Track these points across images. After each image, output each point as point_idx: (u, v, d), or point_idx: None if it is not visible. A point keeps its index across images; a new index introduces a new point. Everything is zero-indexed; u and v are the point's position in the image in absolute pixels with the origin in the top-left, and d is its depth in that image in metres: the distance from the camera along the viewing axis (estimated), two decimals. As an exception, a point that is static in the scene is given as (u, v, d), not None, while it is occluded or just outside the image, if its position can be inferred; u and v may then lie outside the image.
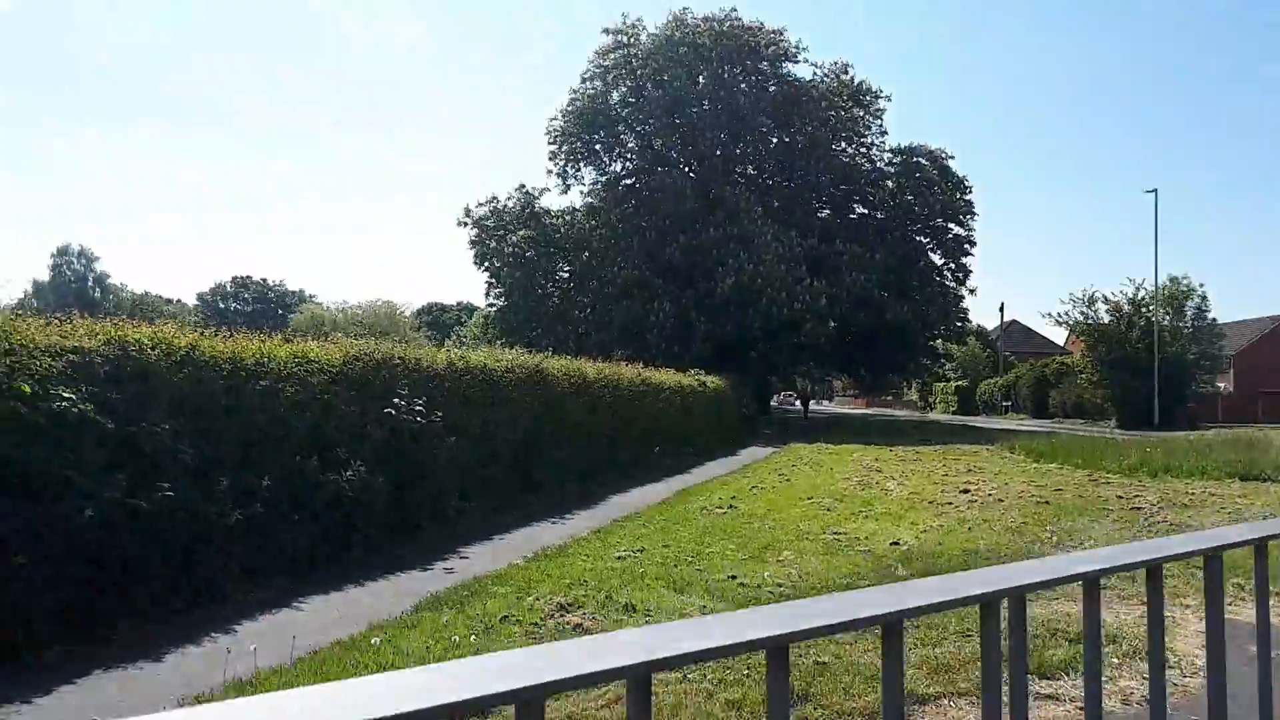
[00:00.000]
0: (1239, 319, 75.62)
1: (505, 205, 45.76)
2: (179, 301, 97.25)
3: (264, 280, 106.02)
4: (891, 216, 46.72)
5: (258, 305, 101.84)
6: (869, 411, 74.82)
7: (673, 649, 1.21)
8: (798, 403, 66.28)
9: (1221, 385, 61.73)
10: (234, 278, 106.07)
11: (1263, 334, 74.56)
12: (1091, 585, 1.49)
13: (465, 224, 46.09)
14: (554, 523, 12.17)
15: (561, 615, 6.93)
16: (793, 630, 1.28)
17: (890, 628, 1.35)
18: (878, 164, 48.77)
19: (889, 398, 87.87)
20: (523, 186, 46.13)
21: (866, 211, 48.52)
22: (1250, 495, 14.32)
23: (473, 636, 6.36)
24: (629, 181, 47.14)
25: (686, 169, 46.50)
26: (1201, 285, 48.50)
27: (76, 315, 8.53)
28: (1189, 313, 47.91)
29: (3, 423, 6.43)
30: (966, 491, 14.73)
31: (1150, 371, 44.41)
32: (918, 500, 13.81)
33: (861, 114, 48.03)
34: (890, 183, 47.43)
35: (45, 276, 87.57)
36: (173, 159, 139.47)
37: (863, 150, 49.05)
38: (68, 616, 6.47)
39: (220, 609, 7.51)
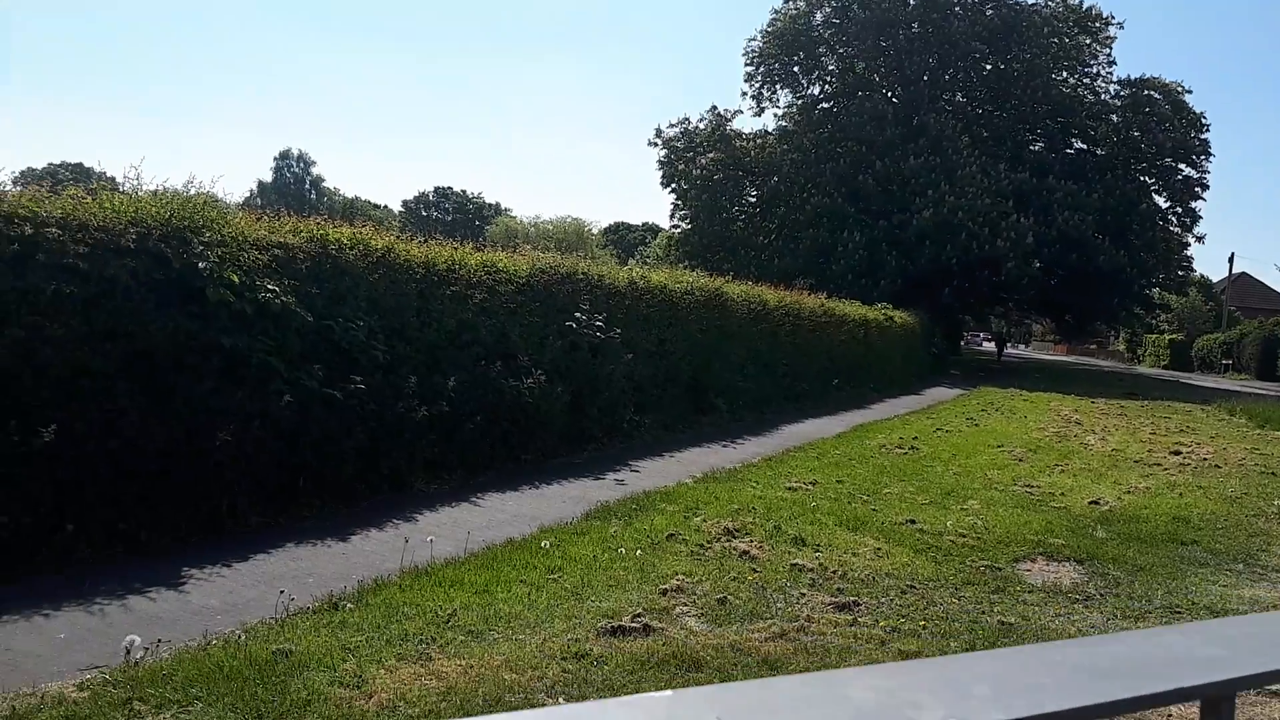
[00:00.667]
0: None
1: (696, 126, 45.13)
2: (385, 207, 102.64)
3: (463, 191, 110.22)
4: (1114, 153, 42.74)
5: (457, 215, 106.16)
6: (1069, 359, 70.20)
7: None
8: (991, 345, 63.05)
9: None
10: (436, 188, 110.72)
11: None
12: None
13: (655, 144, 45.85)
14: (724, 446, 12.04)
15: (728, 540, 6.80)
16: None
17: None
18: (1102, 96, 44.45)
19: (1093, 346, 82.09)
20: (714, 108, 45.31)
21: (1085, 147, 44.58)
22: None
23: (639, 550, 6.33)
24: (826, 105, 45.28)
25: (889, 94, 44.13)
26: None
27: (284, 213, 8.98)
28: None
29: (213, 310, 6.85)
30: (1178, 453, 13.45)
31: None
32: (1121, 458, 12.73)
33: (1088, 42, 43.74)
34: (1115, 117, 43.23)
35: (268, 178, 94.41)
36: (387, 75, 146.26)
37: (1085, 81, 44.80)
38: (265, 495, 6.92)
39: (403, 498, 7.87)
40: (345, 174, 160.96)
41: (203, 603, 5.05)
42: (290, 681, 3.85)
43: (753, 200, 45.40)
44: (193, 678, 3.83)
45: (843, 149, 41.26)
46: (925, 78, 43.21)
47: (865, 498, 8.82)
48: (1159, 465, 12.20)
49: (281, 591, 5.01)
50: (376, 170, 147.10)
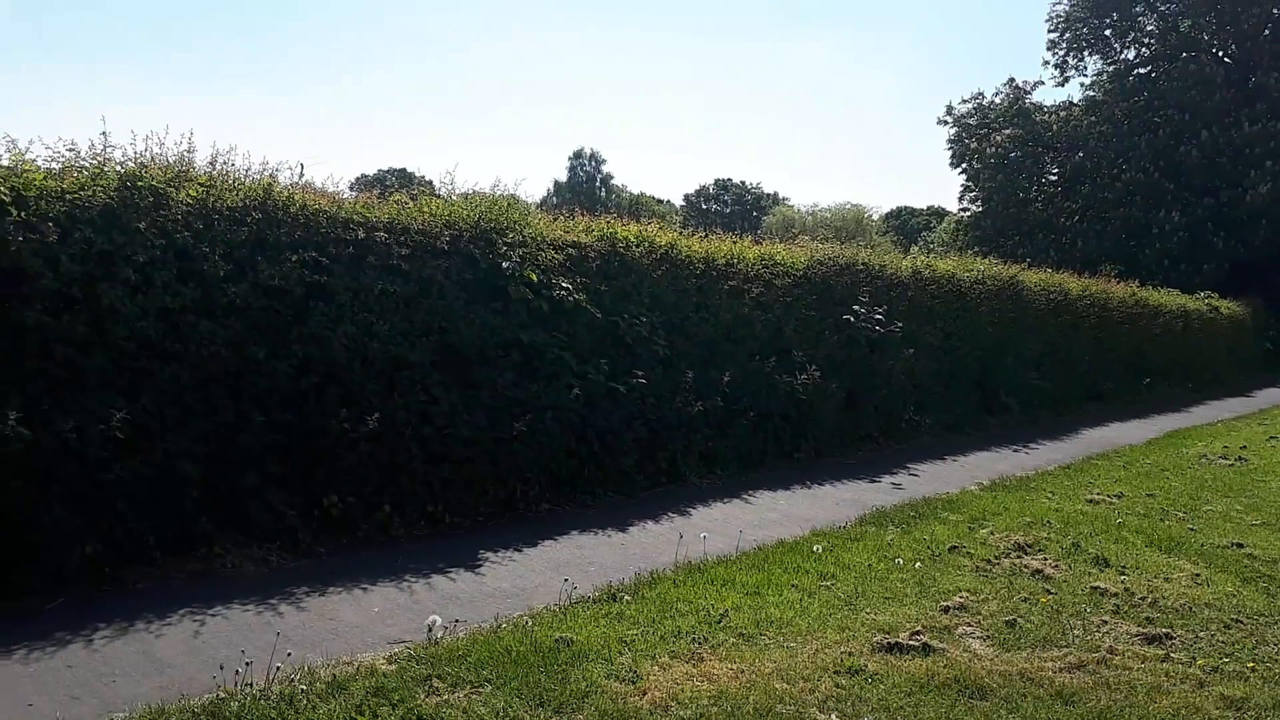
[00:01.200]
0: None
1: (991, 101, 42.33)
2: (668, 202, 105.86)
3: (742, 182, 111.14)
4: None
5: (735, 206, 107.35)
6: None
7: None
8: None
9: None
10: (716, 180, 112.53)
11: None
12: None
13: (945, 122, 43.61)
14: (1015, 450, 11.27)
15: (1018, 556, 6.36)
16: None
17: None
18: None
19: None
20: (1011, 80, 42.19)
21: None
22: None
23: (918, 563, 6.08)
24: (1143, 70, 40.75)
25: (1220, 53, 38.99)
26: None
27: (578, 212, 9.49)
28: None
29: (513, 306, 7.38)
30: None
31: None
32: None
33: None
34: None
35: (564, 177, 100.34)
36: (667, 67, 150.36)
37: None
38: (554, 482, 7.38)
39: (678, 490, 8.09)
40: (631, 170, 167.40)
41: (495, 585, 5.48)
42: (570, 671, 4.08)
43: (1053, 179, 41.97)
44: (484, 660, 4.17)
45: (1161, 118, 37.03)
46: (1267, 31, 37.67)
47: (1181, 515, 7.90)
48: None
49: (565, 579, 5.33)
50: (660, 165, 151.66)
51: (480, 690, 3.91)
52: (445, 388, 6.73)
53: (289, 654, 4.13)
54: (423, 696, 3.83)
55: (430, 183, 10.32)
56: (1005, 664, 4.43)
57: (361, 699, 3.76)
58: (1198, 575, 6.10)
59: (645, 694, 3.95)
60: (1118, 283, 19.57)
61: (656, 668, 4.22)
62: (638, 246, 8.95)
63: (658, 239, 9.30)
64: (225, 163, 6.35)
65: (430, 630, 4.47)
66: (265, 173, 6.51)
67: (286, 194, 6.43)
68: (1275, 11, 37.37)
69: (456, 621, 4.69)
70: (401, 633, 4.65)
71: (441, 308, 6.95)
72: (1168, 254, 33.05)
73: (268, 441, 5.89)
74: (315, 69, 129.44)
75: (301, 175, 6.80)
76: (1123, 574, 6.04)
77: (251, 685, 3.83)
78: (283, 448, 6.00)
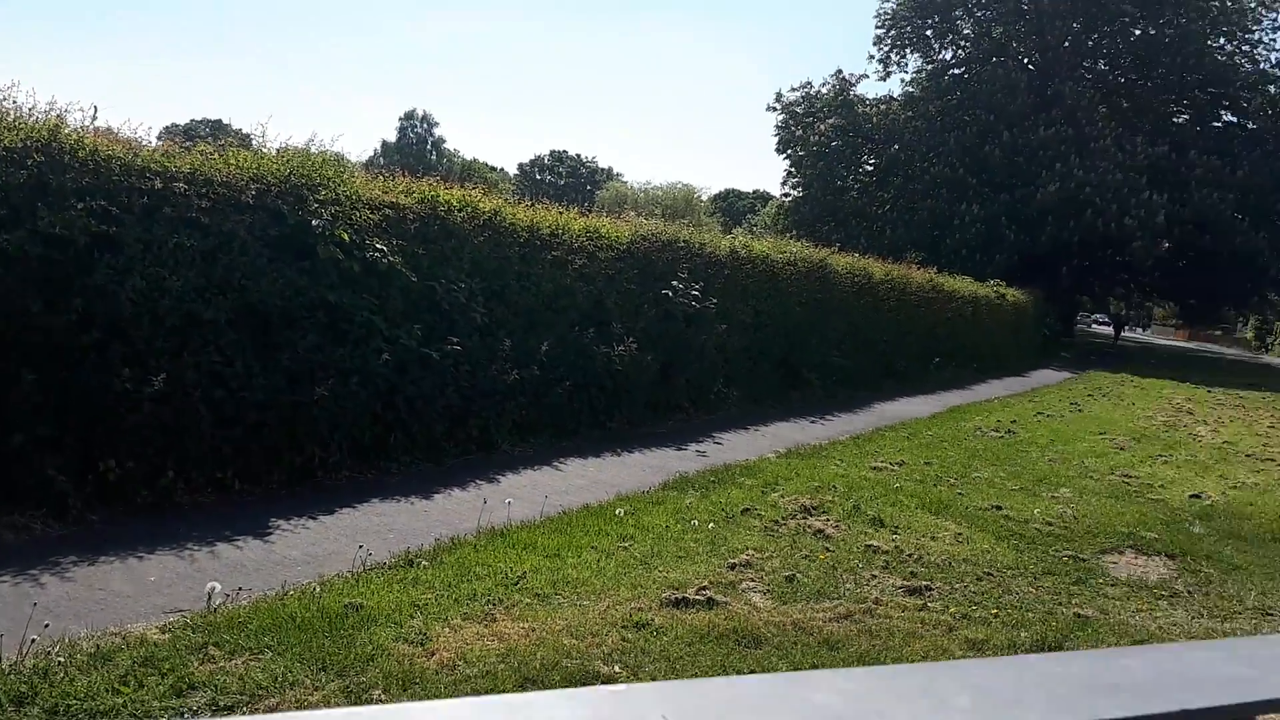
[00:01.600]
0: None
1: (819, 91, 44.10)
2: (502, 170, 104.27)
3: (578, 156, 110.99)
4: (1268, 127, 39.79)
5: (569, 179, 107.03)
6: (1189, 345, 66.51)
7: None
8: (1106, 327, 60.28)
9: None
10: (551, 151, 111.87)
11: None
12: None
13: (774, 109, 45.11)
14: (813, 422, 11.95)
15: (804, 517, 6.79)
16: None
17: None
18: (1261, 65, 41.32)
19: (1217, 333, 77.53)
20: (839, 72, 44.16)
21: (1236, 120, 41.62)
22: None
23: (712, 523, 6.39)
24: (957, 71, 43.55)
25: (1025, 60, 42.12)
26: None
27: (401, 173, 9.27)
28: None
29: (322, 266, 7.16)
30: None
31: None
32: (1231, 451, 12.09)
33: (1253, 4, 40.65)
34: (1274, 88, 40.19)
35: (393, 138, 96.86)
36: (509, 37, 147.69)
37: (1245, 48, 41.66)
38: (357, 450, 7.24)
39: (489, 459, 8.11)
40: (467, 137, 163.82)
41: (285, 553, 5.35)
42: (357, 635, 4.07)
43: (869, 169, 44.30)
44: (266, 626, 4.08)
45: (970, 117, 39.75)
46: (1067, 43, 41.02)
47: (953, 481, 8.65)
48: (1273, 460, 11.54)
49: (360, 546, 5.27)
50: (496, 133, 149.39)
51: (260, 657, 3.83)
52: (241, 348, 6.46)
53: (47, 625, 3.87)
54: (196, 664, 3.71)
55: (247, 136, 9.81)
56: (781, 615, 4.76)
57: (128, 669, 3.61)
58: (960, 534, 6.72)
59: (433, 655, 3.99)
60: (918, 269, 20.95)
61: (448, 629, 4.26)
62: (460, 211, 8.85)
63: (481, 205, 9.23)
64: (4, 99, 5.84)
65: (209, 597, 4.32)
66: (52, 113, 6.03)
67: (75, 137, 5.97)
68: (1075, 26, 40.72)
69: (240, 590, 4.55)
70: (178, 602, 4.46)
71: (243, 264, 6.65)
72: (966, 244, 35.57)
73: (40, 401, 5.49)
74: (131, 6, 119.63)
75: (95, 118, 6.36)
76: (895, 533, 6.57)
77: (0, 659, 3.60)
78: (58, 408, 5.60)
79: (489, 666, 3.90)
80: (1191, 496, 8.84)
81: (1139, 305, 66.36)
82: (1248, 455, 11.93)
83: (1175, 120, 41.19)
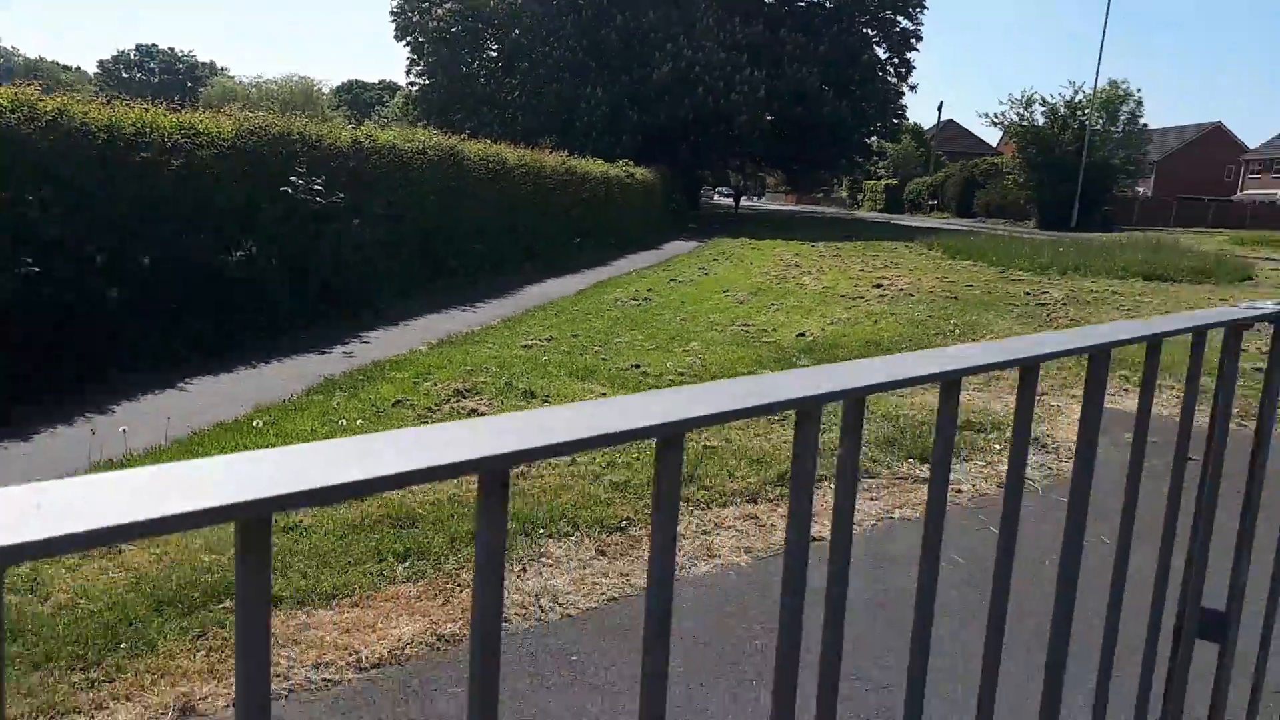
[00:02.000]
0: (1168, 125, 76.17)
1: (430, -28, 42.44)
2: (78, 69, 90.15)
3: (171, 50, 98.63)
4: (841, 6, 44.58)
5: (165, 77, 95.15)
6: (798, 208, 74.77)
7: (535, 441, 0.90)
8: (728, 199, 65.80)
9: (1141, 189, 62.93)
10: (138, 45, 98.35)
11: (1189, 141, 75.48)
12: (951, 385, 1.31)
13: (386, -7, 42.80)
14: (463, 311, 11.95)
15: (457, 400, 6.82)
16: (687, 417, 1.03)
17: (806, 414, 1.13)
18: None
19: (819, 195, 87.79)
20: (449, -48, 42.68)
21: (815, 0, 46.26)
22: (1150, 294, 14.74)
23: (360, 420, 6.22)
24: (566, -47, 43.86)
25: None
26: (1139, 90, 48.48)
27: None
28: (1122, 117, 47.95)
29: None
30: (879, 286, 14.85)
31: (1076, 174, 44.82)
32: (831, 295, 13.89)
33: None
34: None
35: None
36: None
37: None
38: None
39: (100, 390, 7.22)
40: (28, 32, 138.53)
41: None
42: None
43: (494, 55, 43.76)
44: None
45: (584, 1, 40.36)
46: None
47: (597, 349, 9.10)
48: (862, 298, 13.43)
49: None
50: (67, 27, 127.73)
51: None
52: None
53: None
54: None
55: None
56: (438, 493, 4.79)
57: None
58: (603, 394, 7.12)
59: (49, 599, 3.56)
60: (551, 153, 21.30)
61: (63, 571, 3.81)
62: (14, 112, 7.53)
63: (42, 105, 7.90)
64: None
65: None
66: None
67: None
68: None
69: None
70: None
71: None
72: (594, 126, 36.69)
73: None
74: None
75: None
76: (545, 401, 6.82)
77: None
78: None
79: (117, 598, 3.56)
80: (798, 335, 10.05)
81: (753, 175, 72.98)
82: (842, 296, 13.74)
83: (766, 1, 44.76)
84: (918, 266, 18.66)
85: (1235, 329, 1.80)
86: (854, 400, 1.13)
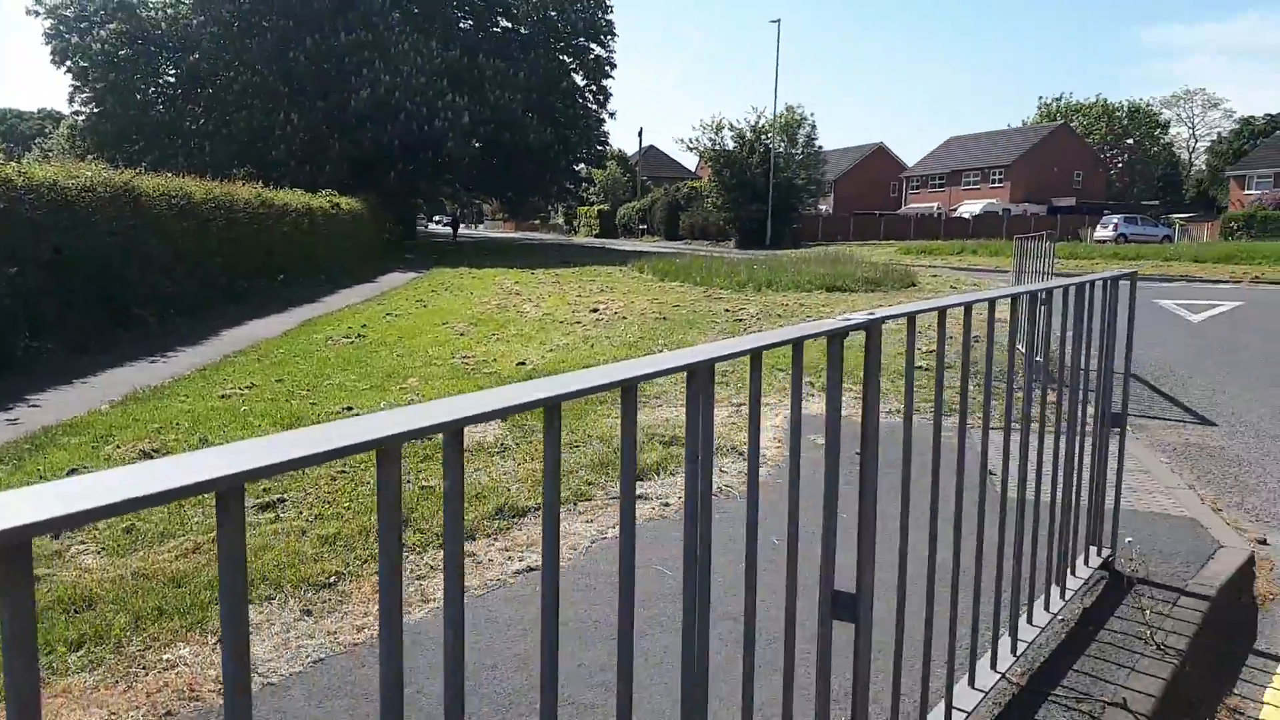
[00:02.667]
0: (840, 147, 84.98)
1: (88, -9, 38.51)
2: None
3: None
4: (536, 32, 45.68)
5: None
6: (518, 235, 75.52)
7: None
8: (445, 227, 65.18)
9: (823, 207, 69.66)
10: None
11: (858, 161, 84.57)
12: (629, 390, 1.46)
13: (36, 13, 38.33)
14: (153, 362, 10.93)
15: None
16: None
17: (386, 453, 1.17)
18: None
19: (537, 221, 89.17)
20: (105, -32, 38.97)
21: (510, 25, 47.02)
22: (831, 304, 16.34)
23: (26, 497, 5.52)
24: (243, -27, 41.46)
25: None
26: (812, 114, 53.59)
27: None
28: (800, 140, 52.79)
29: None
30: (596, 310, 15.34)
31: (766, 194, 48.78)
32: (550, 321, 14.15)
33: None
34: (536, -5, 46.09)
35: None
36: None
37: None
38: None
39: None
40: None
41: None
42: None
43: (171, 80, 40.50)
44: None
45: (268, 23, 38.36)
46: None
47: (305, 393, 8.67)
48: (580, 323, 13.80)
49: None
50: None
51: None
52: None
53: None
54: None
55: None
56: (119, 569, 4.35)
57: None
58: (314, 441, 6.81)
59: None
60: (244, 185, 20.05)
61: None
62: None
63: None
64: None
65: None
66: None
67: None
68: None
69: None
70: None
71: None
72: (294, 154, 35.03)
73: None
74: None
75: None
76: (247, 456, 6.40)
77: None
78: None
79: None
80: (518, 364, 10.15)
81: (468, 203, 72.84)
82: (561, 322, 14.03)
83: (461, 26, 44.94)
84: (631, 289, 19.47)
85: (837, 337, 2.09)
86: (451, 433, 1.24)
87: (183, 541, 4.70)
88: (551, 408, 1.37)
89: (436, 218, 78.25)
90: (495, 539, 4.67)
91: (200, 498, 5.26)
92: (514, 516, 5.06)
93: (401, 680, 1.20)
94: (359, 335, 12.63)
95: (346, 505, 5.29)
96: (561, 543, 4.67)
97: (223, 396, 8.53)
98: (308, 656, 3.41)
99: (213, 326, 13.85)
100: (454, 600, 1.27)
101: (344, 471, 6.01)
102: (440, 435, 1.24)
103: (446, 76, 37.93)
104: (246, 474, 0.99)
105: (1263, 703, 3.42)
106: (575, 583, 4.10)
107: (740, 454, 6.41)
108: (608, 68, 48.79)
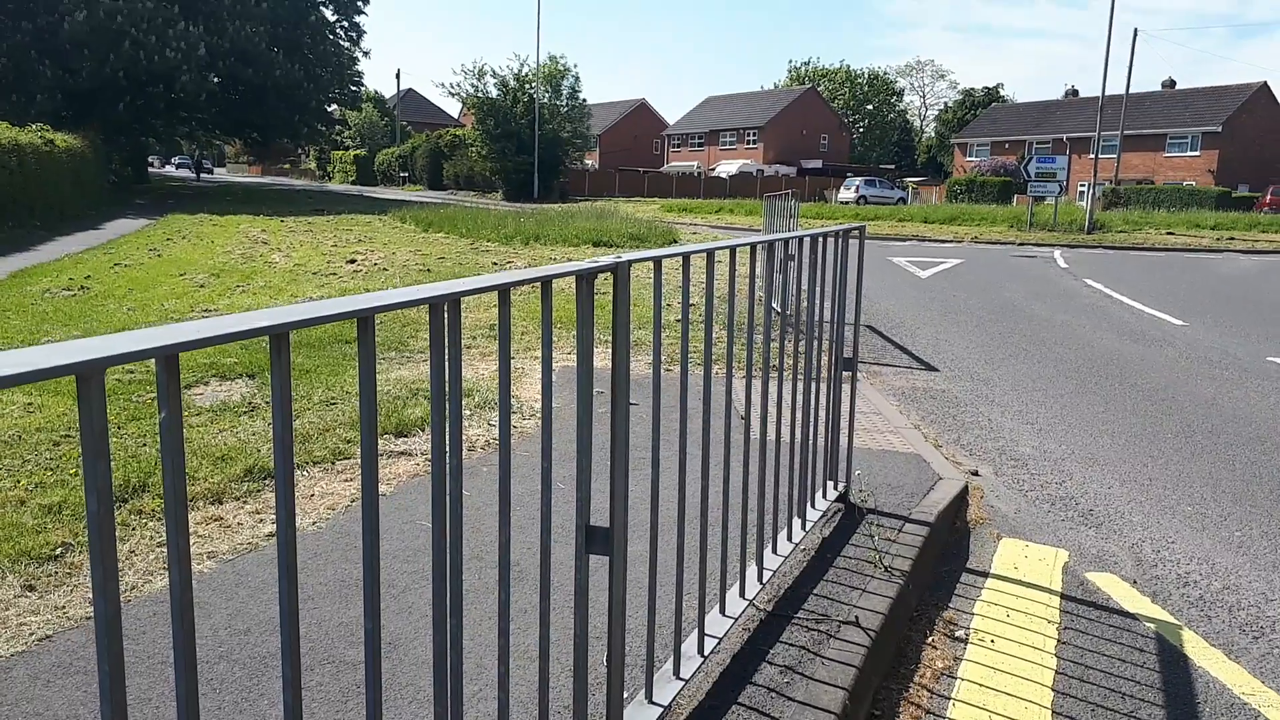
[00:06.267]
0: (604, 101, 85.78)
1: None
2: None
3: None
4: (277, -41, 42.38)
5: None
6: (265, 180, 70.55)
7: None
8: (183, 171, 59.86)
9: (589, 162, 70.19)
10: None
11: (622, 117, 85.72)
12: (365, 322, 1.45)
13: None
14: None
15: None
16: None
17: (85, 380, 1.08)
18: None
19: (286, 166, 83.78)
20: None
21: (250, -51, 43.37)
22: (598, 257, 16.59)
23: None
24: None
25: None
26: (575, 66, 53.50)
27: None
28: (564, 91, 52.69)
29: None
30: (353, 261, 14.71)
31: (532, 146, 48.43)
32: (302, 272, 13.42)
33: None
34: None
35: None
36: None
37: None
38: None
39: None
40: None
41: None
42: None
43: None
44: None
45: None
46: None
47: (18, 352, 7.76)
48: (335, 275, 13.20)
49: None
50: None
51: None
52: None
53: None
54: None
55: None
56: None
57: None
58: (30, 404, 6.14)
59: None
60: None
61: None
62: None
63: None
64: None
65: None
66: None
67: None
68: None
69: None
70: None
71: None
72: (-6, 83, 30.79)
73: None
74: None
75: None
76: (-53, 424, 5.68)
77: None
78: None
79: None
80: (267, 316, 9.55)
81: (208, 144, 67.01)
82: (315, 274, 13.33)
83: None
84: (391, 240, 18.82)
85: (586, 277, 2.17)
86: (165, 359, 1.18)
87: None
88: (278, 336, 1.33)
89: (174, 159, 71.63)
90: (245, 501, 4.45)
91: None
92: (264, 478, 4.83)
93: (121, 654, 1.13)
94: (82, 288, 11.43)
95: (73, 473, 4.84)
96: (319, 503, 4.54)
97: (-88, 357, 7.47)
98: (31, 634, 3.12)
99: (-104, 278, 12.05)
100: (177, 544, 1.21)
101: (68, 436, 5.49)
102: (152, 361, 1.16)
103: (178, 3, 34.48)
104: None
105: (973, 614, 3.92)
106: (334, 543, 3.99)
107: (521, 402, 6.45)
108: (360, 2, 46.24)
